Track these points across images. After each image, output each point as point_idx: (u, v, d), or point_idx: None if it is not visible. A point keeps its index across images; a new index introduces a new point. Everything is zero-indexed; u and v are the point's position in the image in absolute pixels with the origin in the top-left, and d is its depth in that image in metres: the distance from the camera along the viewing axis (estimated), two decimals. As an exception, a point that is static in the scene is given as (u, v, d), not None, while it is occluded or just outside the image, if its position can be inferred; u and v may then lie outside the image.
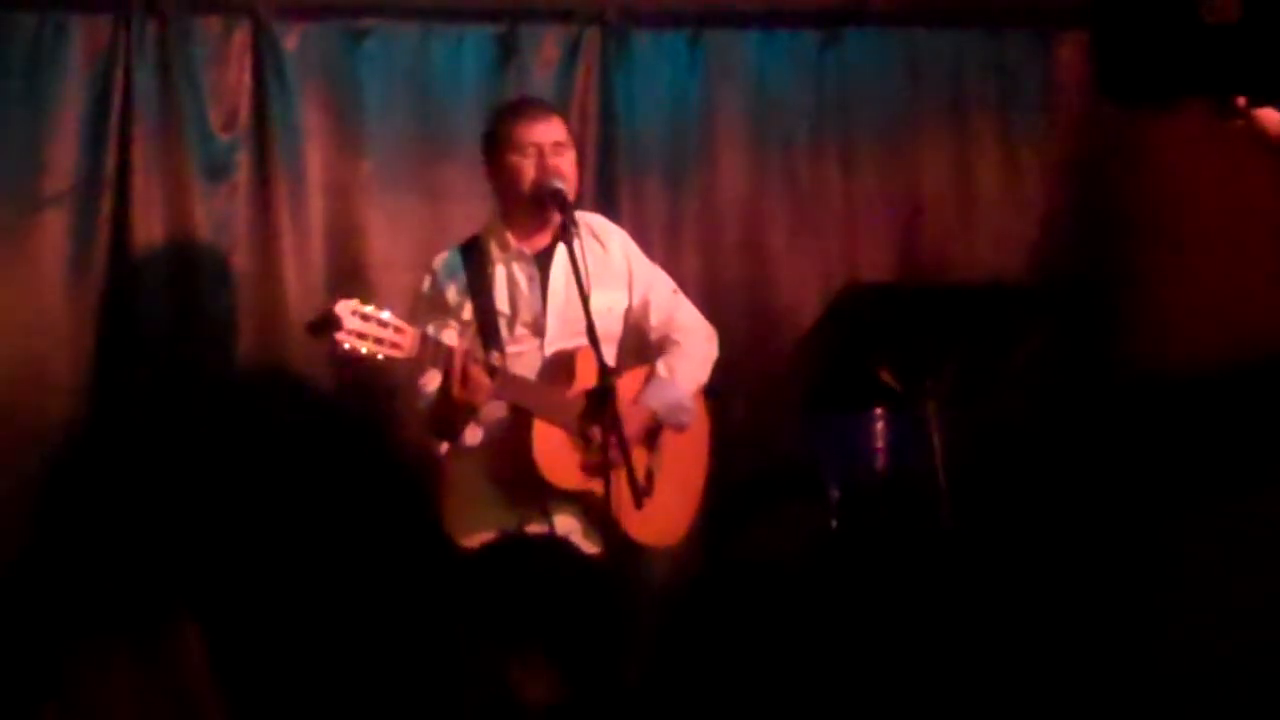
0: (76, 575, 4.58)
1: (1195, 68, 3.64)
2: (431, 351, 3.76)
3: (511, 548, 3.94)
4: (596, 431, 3.77)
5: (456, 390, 3.75)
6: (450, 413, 3.85)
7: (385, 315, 3.65)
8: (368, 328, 3.62)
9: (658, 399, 4.10)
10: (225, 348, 4.81)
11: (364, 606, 4.68)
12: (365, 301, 3.65)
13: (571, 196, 3.95)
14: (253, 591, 4.66)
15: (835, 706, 4.59)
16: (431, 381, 3.89)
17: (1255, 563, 3.72)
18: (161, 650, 4.56)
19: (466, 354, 3.77)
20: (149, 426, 4.69)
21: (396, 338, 3.66)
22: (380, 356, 3.64)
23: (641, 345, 4.21)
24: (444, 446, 4.01)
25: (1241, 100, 3.58)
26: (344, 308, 3.60)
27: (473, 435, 4.01)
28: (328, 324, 3.59)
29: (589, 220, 4.17)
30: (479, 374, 3.75)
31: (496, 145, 4.05)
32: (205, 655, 4.65)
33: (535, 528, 3.97)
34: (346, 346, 3.60)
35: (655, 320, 4.19)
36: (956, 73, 5.40)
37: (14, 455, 4.62)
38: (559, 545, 3.94)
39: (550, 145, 3.98)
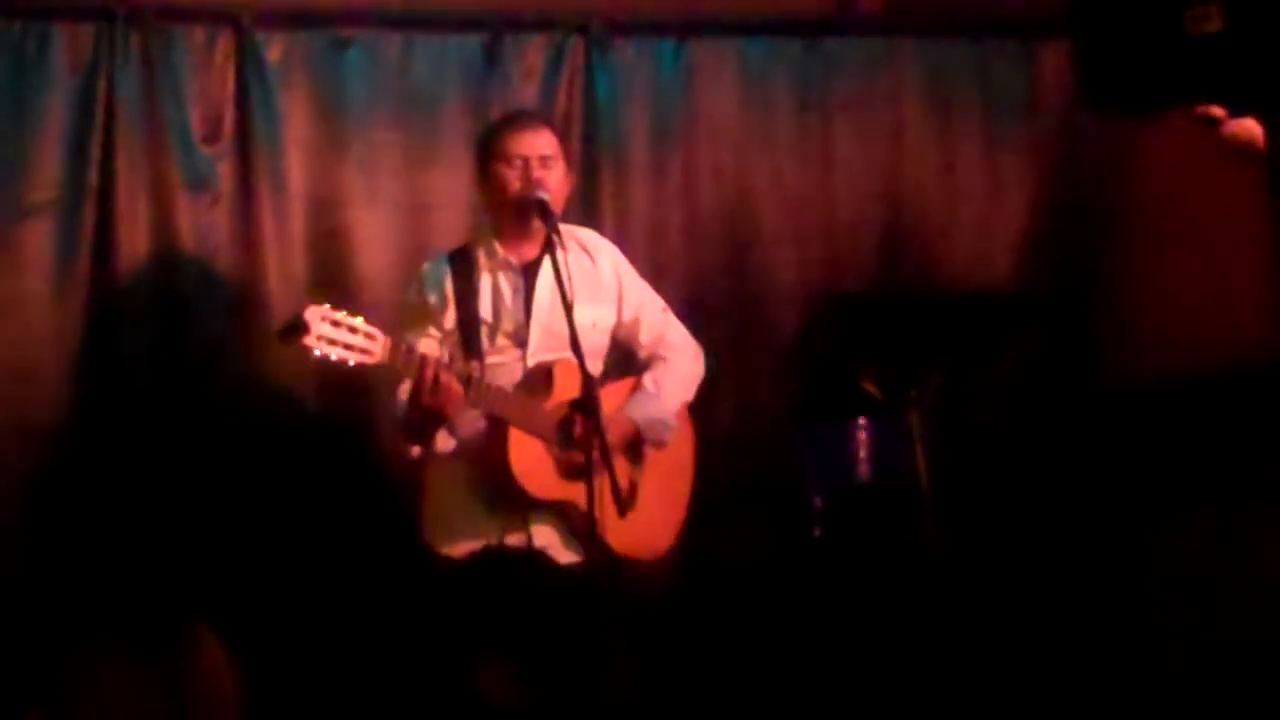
0: (61, 583, 4.56)
1: (1178, 78, 3.66)
2: (404, 358, 3.76)
3: (491, 561, 3.94)
4: (578, 439, 3.77)
5: (427, 397, 3.76)
6: (421, 418, 3.86)
7: (356, 322, 3.65)
8: (338, 334, 3.62)
9: (641, 411, 4.11)
10: (209, 357, 4.79)
11: (344, 613, 4.67)
12: (337, 308, 3.65)
13: (557, 208, 3.96)
14: (238, 598, 4.64)
15: (819, 715, 4.60)
16: (409, 388, 3.89)
17: (1240, 567, 3.73)
18: (152, 656, 4.54)
19: (439, 362, 3.77)
20: (134, 436, 4.68)
21: (367, 344, 3.66)
22: (351, 362, 3.64)
23: (629, 362, 4.22)
24: (415, 451, 4.00)
25: (1222, 110, 3.60)
26: (314, 313, 3.60)
27: (445, 443, 4.00)
28: (297, 329, 3.59)
29: (579, 234, 4.18)
30: (450, 382, 3.75)
31: (485, 155, 4.06)
32: (193, 661, 4.63)
33: (515, 538, 3.97)
34: (317, 353, 3.60)
35: (645, 338, 4.21)
36: (939, 81, 5.41)
37: (0, 465, 4.61)
38: (538, 558, 3.94)
39: (537, 158, 3.99)
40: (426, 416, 3.84)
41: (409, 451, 4.01)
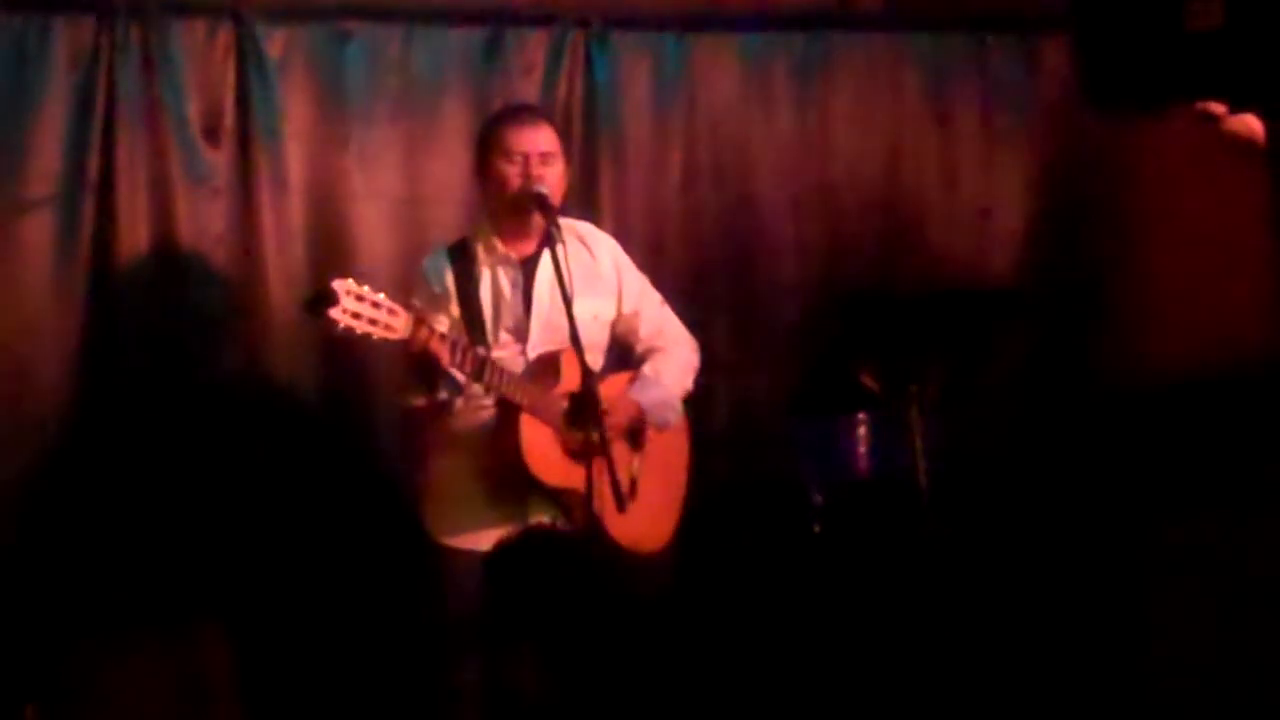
0: (57, 577, 4.56)
1: (1179, 74, 3.66)
2: (424, 336, 3.78)
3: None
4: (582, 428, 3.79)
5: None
6: (419, 365, 3.87)
7: (380, 297, 3.67)
8: (363, 308, 3.64)
9: (644, 395, 4.13)
10: (209, 350, 4.79)
11: (348, 603, 4.68)
12: (361, 282, 3.66)
13: (556, 203, 3.97)
14: (241, 590, 4.65)
15: (818, 710, 4.60)
16: None
17: (1241, 567, 3.74)
18: (155, 649, 4.55)
19: (444, 335, 3.80)
20: (133, 428, 4.68)
21: (390, 320, 3.69)
22: (374, 337, 3.66)
23: (627, 355, 4.23)
24: (417, 400, 4.00)
25: (1222, 106, 3.60)
26: (341, 286, 3.62)
27: (451, 428, 4.02)
28: (324, 300, 3.60)
29: (578, 228, 4.18)
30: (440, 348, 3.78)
31: (485, 149, 4.07)
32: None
33: (513, 529, 3.99)
34: (341, 325, 3.62)
35: (645, 332, 4.23)
36: (939, 75, 5.41)
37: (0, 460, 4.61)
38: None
39: (538, 155, 3.99)
40: (424, 364, 3.85)
41: (412, 399, 4.02)
